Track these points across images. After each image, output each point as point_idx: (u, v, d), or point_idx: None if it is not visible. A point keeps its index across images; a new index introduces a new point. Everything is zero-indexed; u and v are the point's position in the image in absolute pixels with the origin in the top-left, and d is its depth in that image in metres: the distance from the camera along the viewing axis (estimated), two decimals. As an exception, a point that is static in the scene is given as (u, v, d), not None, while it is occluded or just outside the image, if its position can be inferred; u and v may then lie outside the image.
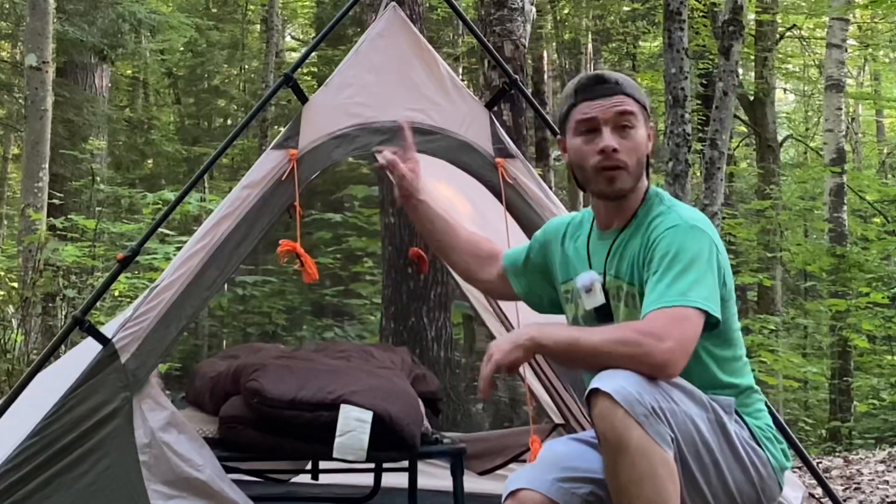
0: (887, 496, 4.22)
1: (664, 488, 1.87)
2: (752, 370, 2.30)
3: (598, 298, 2.22)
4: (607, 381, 1.90)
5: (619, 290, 2.19)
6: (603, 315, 2.21)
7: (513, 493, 2.02)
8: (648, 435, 1.86)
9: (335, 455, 2.73)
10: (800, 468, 3.92)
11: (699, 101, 12.18)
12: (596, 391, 1.90)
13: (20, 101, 11.41)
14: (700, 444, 1.98)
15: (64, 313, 6.63)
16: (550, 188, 3.50)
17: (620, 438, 1.86)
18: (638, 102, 2.19)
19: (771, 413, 2.33)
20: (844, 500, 4.05)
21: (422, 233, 2.62)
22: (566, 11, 15.32)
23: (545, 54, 14.81)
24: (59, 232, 7.88)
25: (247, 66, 15.90)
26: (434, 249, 2.66)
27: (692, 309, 1.99)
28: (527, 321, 2.99)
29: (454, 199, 3.89)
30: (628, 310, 2.16)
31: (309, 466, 3.56)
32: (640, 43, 15.76)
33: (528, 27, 6.71)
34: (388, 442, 2.79)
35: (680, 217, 2.13)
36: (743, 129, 15.22)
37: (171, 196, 7.24)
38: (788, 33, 14.85)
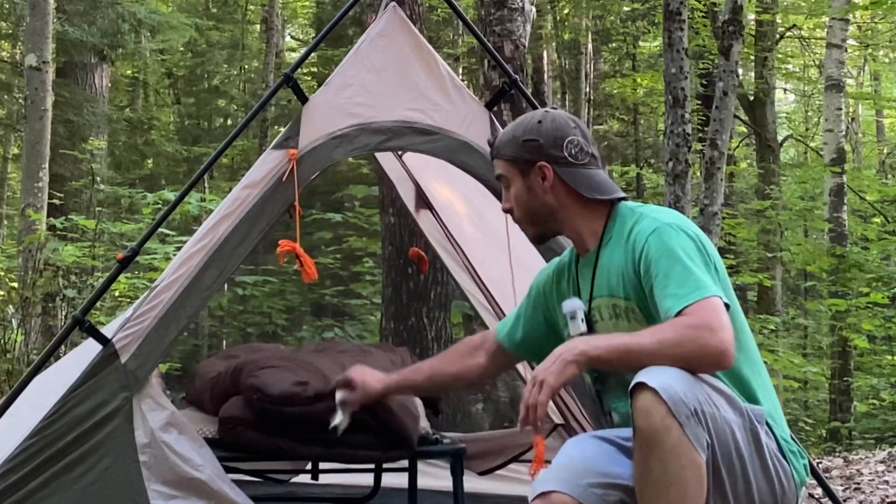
0: (887, 496, 4.22)
1: (691, 491, 1.85)
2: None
3: (580, 327, 2.23)
4: (654, 376, 1.88)
5: (616, 308, 2.18)
6: None
7: (544, 495, 1.98)
8: (686, 436, 1.85)
9: (339, 434, 2.68)
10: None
11: (699, 101, 12.18)
12: (642, 385, 1.88)
13: (20, 101, 11.40)
14: (734, 453, 1.96)
15: (64, 313, 6.63)
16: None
17: (657, 435, 1.84)
18: (509, 160, 2.28)
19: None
20: (844, 500, 4.05)
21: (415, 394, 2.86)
22: (566, 11, 15.33)
23: (545, 54, 14.82)
24: (59, 232, 7.88)
25: (247, 66, 15.91)
26: (432, 395, 2.97)
27: (715, 298, 1.98)
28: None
29: (453, 200, 3.89)
30: (630, 325, 2.15)
31: (309, 466, 3.56)
32: (640, 43, 15.75)
33: (528, 27, 6.70)
34: (387, 442, 2.78)
35: (656, 220, 2.14)
36: (743, 129, 15.21)
37: (171, 196, 7.24)
38: (788, 33, 14.85)
